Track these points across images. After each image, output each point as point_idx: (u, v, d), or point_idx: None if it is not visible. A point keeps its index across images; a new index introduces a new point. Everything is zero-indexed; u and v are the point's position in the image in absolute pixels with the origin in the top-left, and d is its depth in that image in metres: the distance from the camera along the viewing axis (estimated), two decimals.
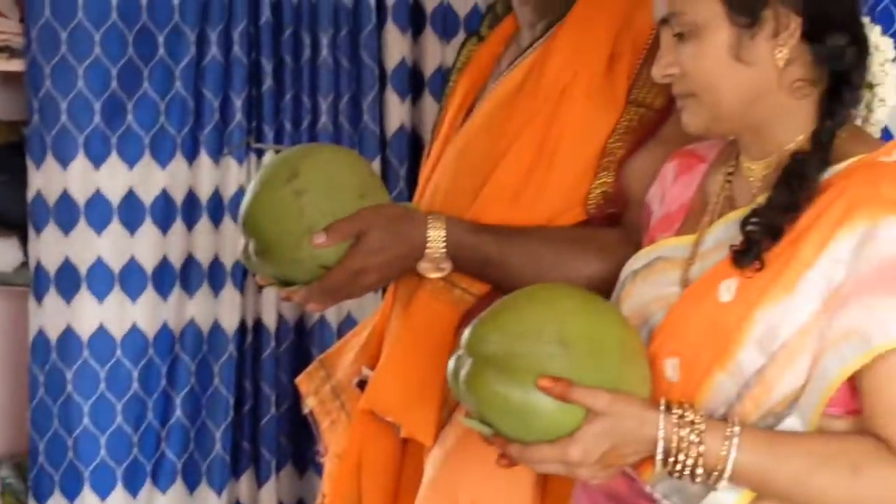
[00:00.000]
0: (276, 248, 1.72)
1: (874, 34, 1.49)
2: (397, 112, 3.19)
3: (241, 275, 3.09)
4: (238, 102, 3.04)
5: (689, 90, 1.48)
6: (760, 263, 1.41)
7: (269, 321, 3.14)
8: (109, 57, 2.95)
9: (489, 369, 1.40)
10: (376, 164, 3.17)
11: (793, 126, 1.47)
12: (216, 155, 3.03)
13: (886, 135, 1.57)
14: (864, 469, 1.35)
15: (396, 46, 3.17)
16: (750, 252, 1.42)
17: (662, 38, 1.49)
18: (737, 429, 1.36)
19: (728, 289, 1.43)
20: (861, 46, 1.46)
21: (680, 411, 1.37)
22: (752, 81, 1.45)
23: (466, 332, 1.47)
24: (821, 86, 1.46)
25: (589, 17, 1.80)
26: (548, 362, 1.38)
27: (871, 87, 1.49)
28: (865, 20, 1.49)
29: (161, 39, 2.99)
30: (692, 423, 1.37)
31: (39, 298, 2.99)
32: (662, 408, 1.38)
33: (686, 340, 1.45)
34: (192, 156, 3.04)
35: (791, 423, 1.38)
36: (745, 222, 1.44)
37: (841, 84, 1.46)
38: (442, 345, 1.80)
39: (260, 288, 3.07)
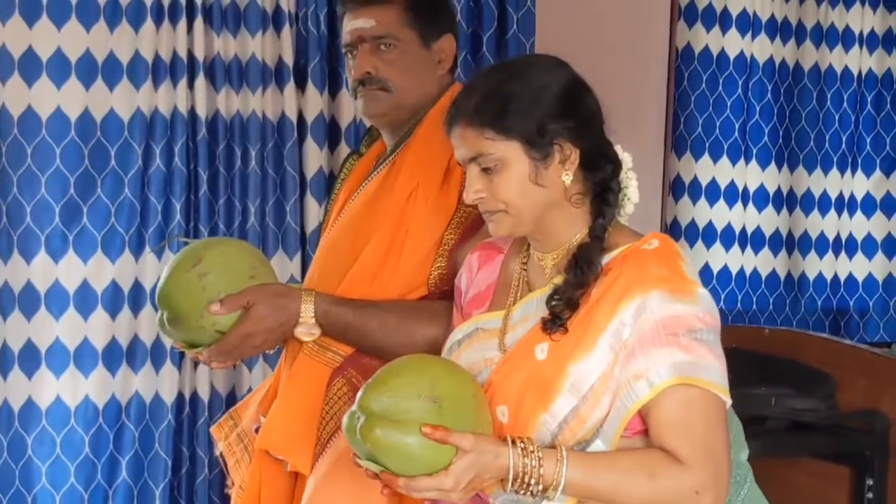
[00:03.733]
0: (184, 318, 2.10)
1: (619, 151, 1.93)
2: (316, 215, 3.52)
3: (179, 354, 3.35)
4: (178, 206, 3.37)
5: (496, 208, 1.85)
6: (565, 329, 1.83)
7: (204, 394, 3.44)
8: (69, 167, 3.30)
9: (381, 422, 1.72)
10: (297, 259, 3.52)
11: (574, 226, 1.90)
12: (158, 251, 3.34)
13: None
14: (658, 473, 1.74)
15: (315, 158, 3.53)
16: (556, 321, 1.83)
17: (469, 171, 1.85)
18: (565, 453, 1.73)
19: (542, 350, 1.82)
20: (615, 163, 1.92)
21: (523, 444, 1.73)
22: (546, 198, 1.85)
23: (360, 395, 1.76)
24: (589, 195, 1.90)
25: (429, 139, 2.23)
26: (427, 415, 1.72)
27: (621, 189, 1.92)
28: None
29: (113, 153, 3.33)
30: (532, 452, 1.73)
31: (5, 375, 3.27)
32: (510, 442, 1.74)
33: (512, 392, 1.83)
34: (137, 252, 3.36)
35: (597, 445, 1.78)
36: (549, 299, 1.85)
37: (604, 192, 1.90)
38: (317, 395, 2.21)
39: (195, 365, 3.40)
